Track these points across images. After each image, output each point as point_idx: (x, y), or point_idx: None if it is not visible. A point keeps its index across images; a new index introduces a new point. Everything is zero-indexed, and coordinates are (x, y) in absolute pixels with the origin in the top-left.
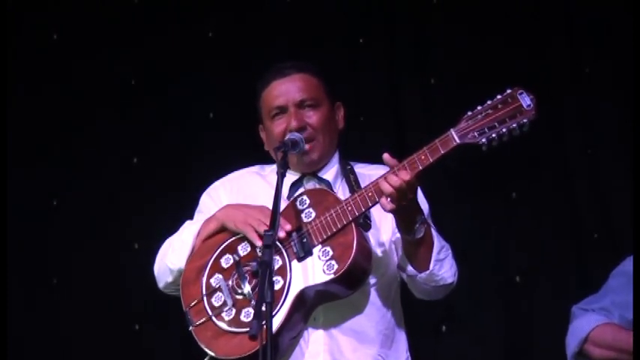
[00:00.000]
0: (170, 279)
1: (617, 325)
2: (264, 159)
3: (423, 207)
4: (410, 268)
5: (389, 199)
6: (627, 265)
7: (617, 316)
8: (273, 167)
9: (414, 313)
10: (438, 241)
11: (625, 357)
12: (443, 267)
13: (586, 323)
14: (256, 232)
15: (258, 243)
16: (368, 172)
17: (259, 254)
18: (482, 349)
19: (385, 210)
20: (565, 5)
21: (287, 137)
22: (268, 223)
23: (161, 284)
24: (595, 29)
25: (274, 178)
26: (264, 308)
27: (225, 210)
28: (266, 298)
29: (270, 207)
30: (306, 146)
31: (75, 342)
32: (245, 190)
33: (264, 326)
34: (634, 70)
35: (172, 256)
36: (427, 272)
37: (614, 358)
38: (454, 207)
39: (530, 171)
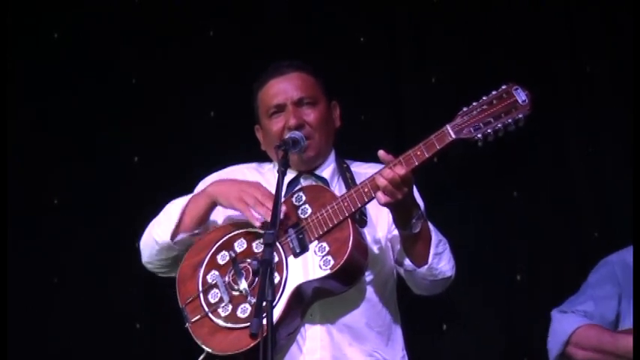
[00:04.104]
0: (155, 251)
1: (600, 326)
2: (265, 158)
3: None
4: (409, 263)
5: (384, 193)
6: (608, 260)
7: (598, 317)
8: (271, 166)
9: (415, 311)
10: (435, 235)
11: (610, 359)
12: (441, 260)
13: (567, 325)
14: (253, 211)
15: (257, 223)
16: (364, 171)
17: (255, 250)
18: (482, 347)
19: (380, 203)
20: (565, 5)
21: (287, 136)
22: (263, 200)
23: (145, 258)
24: (595, 29)
25: (272, 176)
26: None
27: (217, 186)
28: (267, 296)
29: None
30: (305, 144)
31: (75, 342)
32: None
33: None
34: (634, 69)
35: (158, 229)
36: (426, 266)
37: None
38: (455, 206)
39: (530, 170)
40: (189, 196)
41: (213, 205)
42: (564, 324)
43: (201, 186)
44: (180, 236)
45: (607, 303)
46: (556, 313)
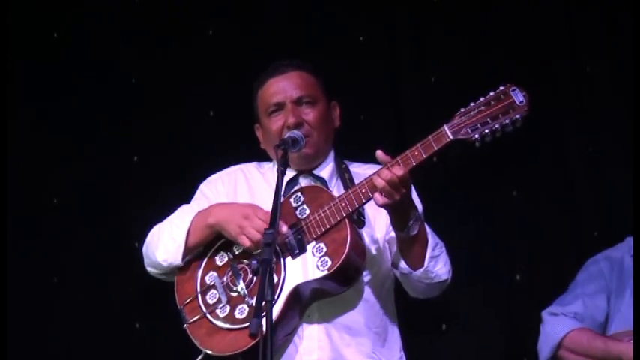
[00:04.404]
0: (158, 269)
1: (591, 330)
2: (265, 157)
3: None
4: (404, 266)
5: (382, 194)
6: (595, 258)
7: (588, 318)
8: (270, 165)
9: (415, 311)
10: (432, 238)
11: None
12: (437, 263)
13: (559, 328)
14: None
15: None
16: (363, 172)
17: (254, 252)
18: (482, 347)
19: (378, 205)
20: (565, 5)
21: (287, 135)
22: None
23: (147, 266)
24: (595, 29)
25: (271, 176)
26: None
27: (218, 216)
28: (266, 296)
29: (267, 204)
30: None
31: (75, 342)
32: (242, 184)
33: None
34: (634, 69)
35: (165, 254)
36: (422, 269)
37: None
38: (455, 205)
39: (530, 170)
40: (192, 215)
41: (216, 232)
42: (556, 327)
43: (204, 188)
44: (187, 258)
45: (596, 302)
46: (547, 315)
